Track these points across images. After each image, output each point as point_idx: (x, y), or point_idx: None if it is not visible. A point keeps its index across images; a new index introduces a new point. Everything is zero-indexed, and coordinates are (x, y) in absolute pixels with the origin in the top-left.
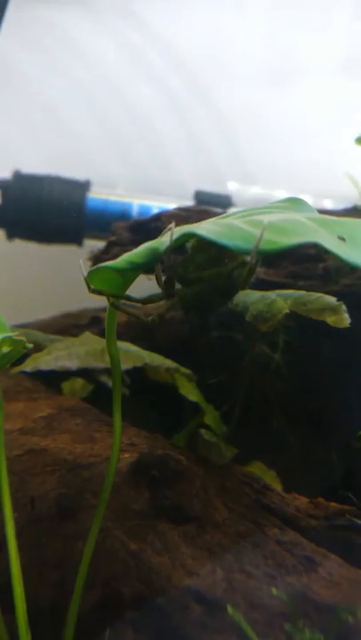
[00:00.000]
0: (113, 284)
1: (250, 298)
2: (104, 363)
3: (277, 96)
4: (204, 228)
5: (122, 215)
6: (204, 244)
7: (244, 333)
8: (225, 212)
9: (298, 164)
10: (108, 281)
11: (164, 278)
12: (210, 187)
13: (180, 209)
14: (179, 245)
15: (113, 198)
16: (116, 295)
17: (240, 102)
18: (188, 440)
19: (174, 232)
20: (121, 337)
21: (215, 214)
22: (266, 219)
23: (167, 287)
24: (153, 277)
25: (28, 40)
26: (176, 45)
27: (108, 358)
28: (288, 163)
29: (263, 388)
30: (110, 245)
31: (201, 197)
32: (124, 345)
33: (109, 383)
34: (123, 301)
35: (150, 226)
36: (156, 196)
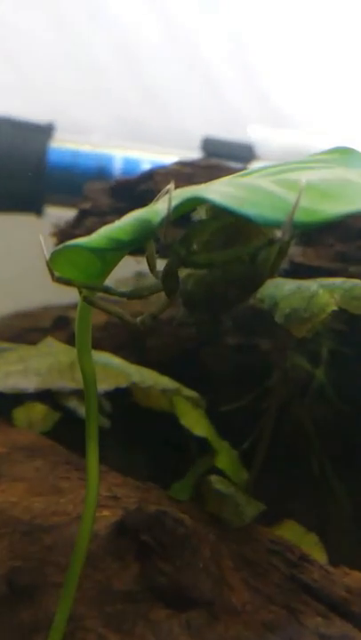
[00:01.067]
0: (87, 271)
1: (281, 290)
2: (74, 382)
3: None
4: (217, 192)
5: (99, 173)
6: (217, 215)
7: (273, 340)
8: (245, 168)
9: (345, 103)
10: (79, 266)
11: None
12: (224, 133)
13: (181, 163)
14: (180, 216)
15: (86, 148)
16: (92, 286)
17: (262, 19)
18: (193, 491)
19: (174, 197)
20: (98, 345)
21: (231, 171)
22: (304, 178)
23: (164, 275)
24: (144, 260)
25: None
26: None
27: (79, 376)
28: (331, 101)
29: (299, 416)
30: (83, 215)
31: (211, 147)
32: (102, 356)
33: (82, 411)
34: (100, 295)
35: (139, 188)
36: (147, 146)
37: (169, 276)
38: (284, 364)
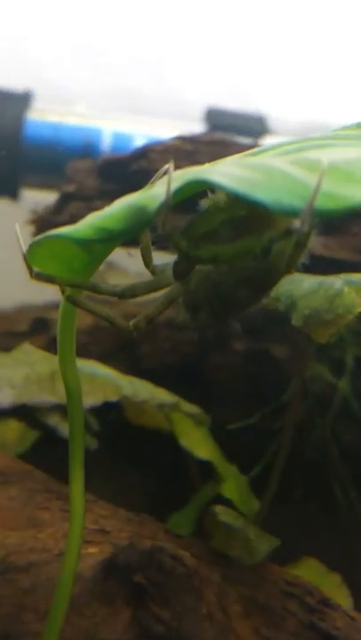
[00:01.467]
0: (71, 266)
1: (299, 287)
2: (55, 396)
3: None
4: (224, 173)
5: (85, 149)
6: (225, 200)
7: (289, 346)
8: (256, 145)
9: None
10: (62, 259)
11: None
12: (231, 103)
13: (181, 139)
14: (181, 201)
15: (70, 121)
16: (77, 284)
17: None
18: (195, 524)
19: (173, 179)
20: (84, 352)
21: (240, 148)
22: (325, 157)
23: (162, 271)
24: (138, 253)
25: None
26: None
27: (61, 388)
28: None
29: (320, 435)
30: (65, 199)
31: (217, 120)
32: (88, 366)
33: (64, 429)
34: (87, 294)
35: (132, 167)
36: (141, 118)
37: (165, 272)
38: (302, 375)
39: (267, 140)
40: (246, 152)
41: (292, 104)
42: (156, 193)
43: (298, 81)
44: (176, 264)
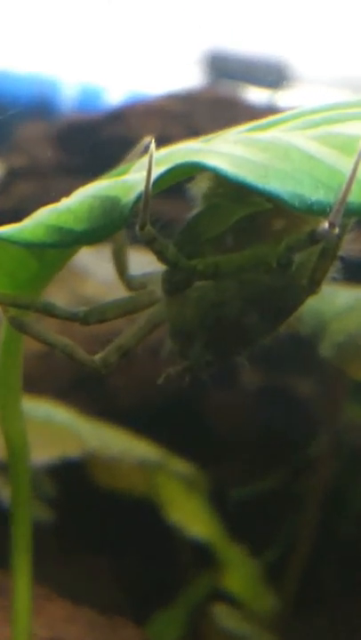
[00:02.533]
0: (14, 276)
1: (330, 305)
2: None
3: None
4: (223, 154)
5: (40, 106)
6: (226, 190)
7: (317, 380)
8: (273, 103)
9: None
10: (3, 268)
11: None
12: (241, 46)
13: (171, 97)
14: (168, 188)
15: (21, 70)
16: (23, 303)
17: None
18: (185, 628)
19: (157, 159)
20: (34, 386)
21: (251, 111)
22: None
23: (142, 284)
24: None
25: None
26: None
27: (0, 441)
28: None
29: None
30: (12, 177)
31: (221, 66)
32: (39, 407)
33: (5, 496)
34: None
35: (103, 133)
36: (113, 62)
37: (174, 289)
38: (334, 422)
39: (287, 95)
40: (255, 124)
41: (319, 56)
42: (132, 180)
43: (331, 25)
44: (168, 274)
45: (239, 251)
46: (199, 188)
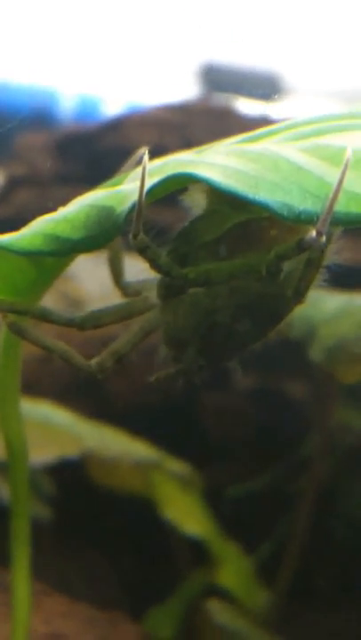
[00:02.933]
0: (14, 283)
1: (321, 309)
2: None
3: None
4: (216, 166)
5: (39, 116)
6: (218, 201)
7: (310, 383)
8: (265, 117)
9: None
10: (2, 275)
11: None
12: (235, 59)
13: (167, 107)
14: (163, 198)
15: (21, 82)
16: (22, 309)
17: None
18: (181, 623)
19: (150, 170)
20: (34, 388)
21: (245, 121)
22: (350, 144)
23: (137, 290)
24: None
25: None
26: None
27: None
28: None
29: (352, 504)
30: (12, 185)
31: (216, 78)
32: (39, 409)
33: (4, 495)
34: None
35: (101, 143)
36: (110, 75)
37: (169, 294)
38: (326, 423)
39: (280, 106)
40: (246, 135)
41: (313, 68)
42: (126, 190)
43: (323, 39)
44: (163, 279)
45: (232, 257)
46: (192, 197)
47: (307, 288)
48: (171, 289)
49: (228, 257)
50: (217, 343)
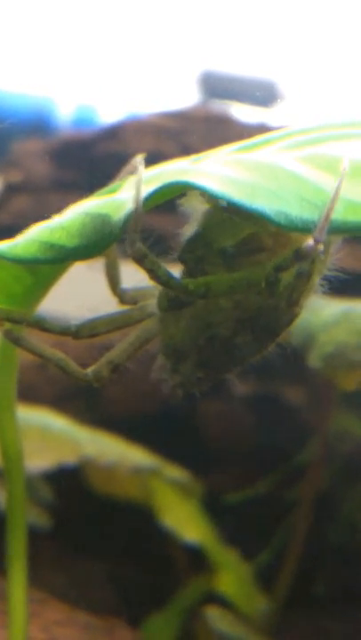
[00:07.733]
0: (9, 291)
1: (319, 316)
2: None
3: None
4: (213, 175)
5: (37, 124)
6: (215, 210)
7: (308, 388)
8: (263, 124)
9: None
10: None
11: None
12: (233, 66)
13: (164, 114)
14: (161, 204)
15: (19, 90)
16: (17, 317)
17: None
18: (179, 630)
19: (146, 178)
20: (31, 395)
21: (243, 129)
22: (347, 152)
23: (134, 298)
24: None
25: None
26: None
27: None
28: None
29: (350, 511)
30: (9, 192)
31: (214, 85)
32: (36, 415)
33: (2, 501)
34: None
35: (98, 150)
36: (108, 83)
37: (171, 305)
38: (325, 429)
39: (277, 113)
40: (243, 143)
41: (310, 76)
42: (122, 198)
43: (323, 46)
44: (168, 293)
45: (241, 268)
46: (191, 203)
47: (298, 299)
48: (174, 302)
49: (237, 268)
50: (216, 356)
